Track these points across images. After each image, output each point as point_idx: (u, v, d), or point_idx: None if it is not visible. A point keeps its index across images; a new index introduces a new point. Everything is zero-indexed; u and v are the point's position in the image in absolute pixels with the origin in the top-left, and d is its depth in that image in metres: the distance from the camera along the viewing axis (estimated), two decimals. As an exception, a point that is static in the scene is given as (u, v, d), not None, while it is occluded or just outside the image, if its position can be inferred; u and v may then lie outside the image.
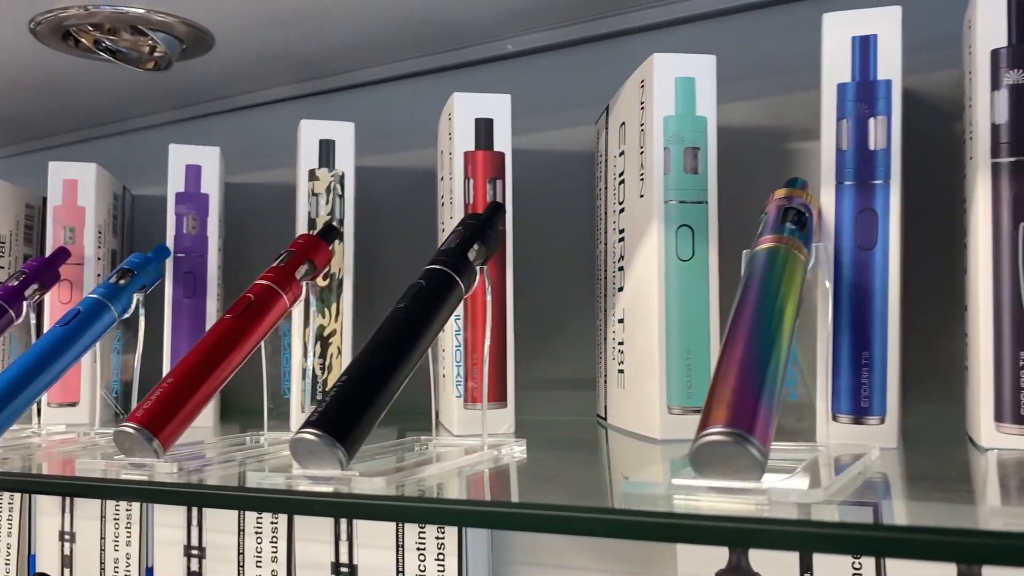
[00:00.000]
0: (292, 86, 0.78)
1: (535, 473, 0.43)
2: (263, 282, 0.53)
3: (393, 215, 0.74)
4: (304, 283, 0.55)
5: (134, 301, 0.62)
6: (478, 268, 0.48)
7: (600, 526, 0.31)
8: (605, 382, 0.61)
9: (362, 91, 0.76)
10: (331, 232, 0.59)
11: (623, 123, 0.56)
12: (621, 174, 0.56)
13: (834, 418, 0.44)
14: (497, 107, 0.56)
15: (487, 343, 0.48)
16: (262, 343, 0.54)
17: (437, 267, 0.46)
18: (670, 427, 0.49)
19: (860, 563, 0.48)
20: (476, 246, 0.48)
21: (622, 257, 0.56)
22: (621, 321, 0.56)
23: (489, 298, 0.48)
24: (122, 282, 0.62)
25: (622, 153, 0.56)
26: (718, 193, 0.51)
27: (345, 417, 0.39)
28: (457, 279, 0.46)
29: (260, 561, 0.74)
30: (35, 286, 0.66)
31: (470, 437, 0.51)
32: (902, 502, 0.33)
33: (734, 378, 0.34)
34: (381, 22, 0.66)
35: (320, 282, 0.61)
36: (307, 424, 0.38)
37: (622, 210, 0.56)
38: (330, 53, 0.72)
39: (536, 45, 0.69)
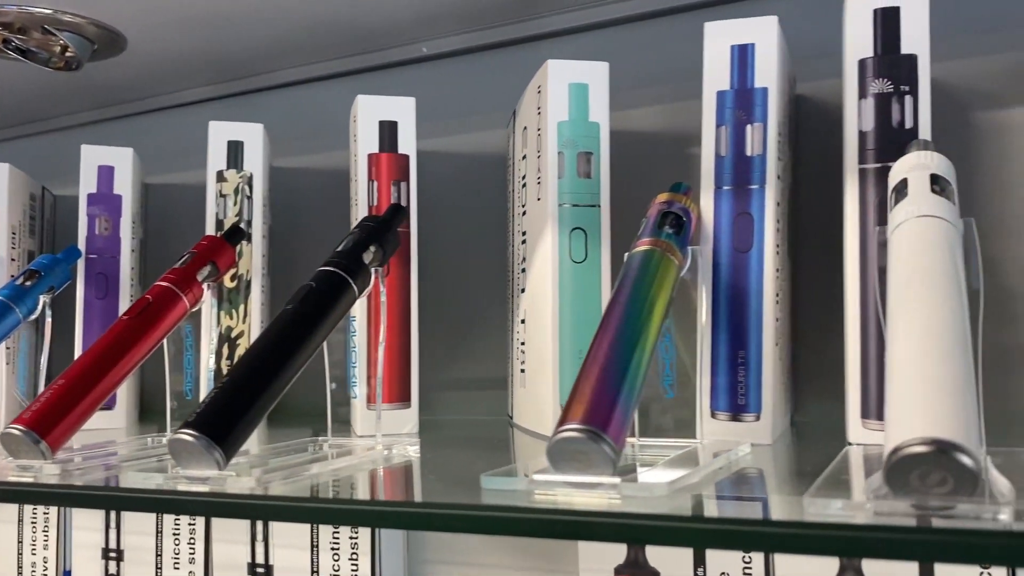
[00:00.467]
0: (207, 88, 0.77)
1: (418, 472, 0.44)
2: (163, 284, 0.53)
3: (310, 216, 0.75)
4: (206, 284, 0.55)
5: (40, 303, 0.61)
6: (373, 270, 0.49)
7: (457, 522, 0.32)
8: (512, 382, 0.62)
9: (279, 92, 0.76)
10: (237, 234, 0.59)
11: (525, 127, 0.57)
12: (524, 177, 0.57)
13: (713, 415, 0.45)
14: (401, 110, 0.57)
15: (381, 345, 0.49)
16: (165, 344, 0.54)
17: (329, 269, 0.47)
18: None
19: (750, 557, 0.50)
20: (372, 248, 0.49)
21: (524, 259, 0.57)
22: (523, 322, 0.57)
23: (384, 300, 0.49)
24: (28, 283, 0.62)
25: (524, 157, 0.57)
26: (612, 196, 0.52)
27: (224, 418, 0.39)
28: (350, 281, 0.47)
29: (178, 563, 0.74)
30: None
31: (368, 437, 0.51)
32: (741, 495, 0.34)
33: (594, 377, 0.35)
34: (297, 24, 0.66)
35: (228, 283, 0.62)
36: (185, 425, 0.38)
37: (524, 213, 0.57)
38: (246, 55, 0.72)
39: (450, 48, 0.70)
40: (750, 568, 0.50)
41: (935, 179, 0.37)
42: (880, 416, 0.42)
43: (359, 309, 0.54)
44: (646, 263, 0.41)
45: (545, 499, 0.33)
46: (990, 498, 0.27)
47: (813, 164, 0.56)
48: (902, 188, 0.37)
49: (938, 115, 0.54)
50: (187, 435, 0.38)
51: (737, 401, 0.45)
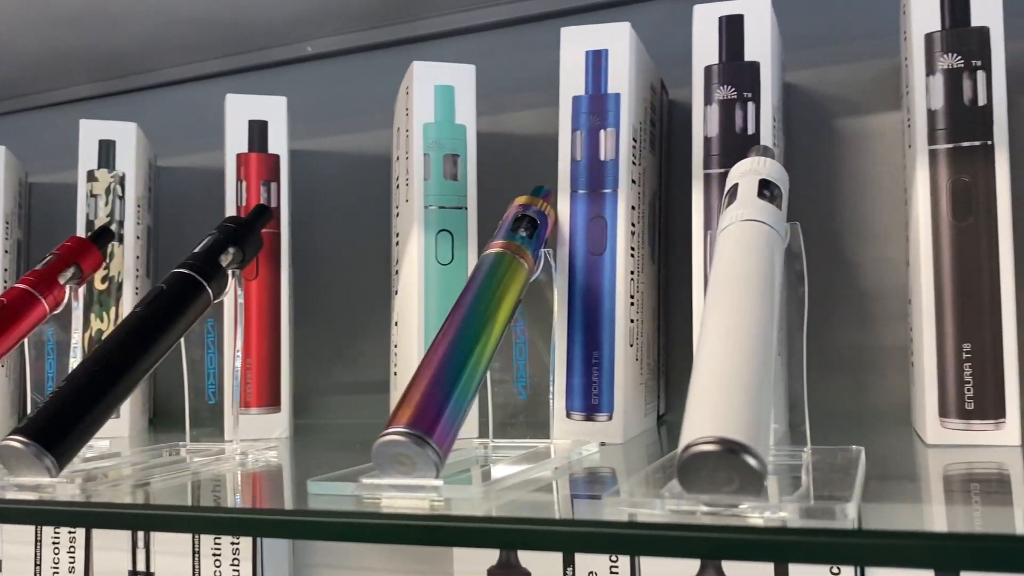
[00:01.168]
0: (84, 86, 0.76)
1: (260, 477, 0.43)
2: (20, 286, 0.52)
3: (194, 216, 0.73)
4: (68, 287, 0.54)
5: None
6: (230, 272, 0.48)
7: (276, 528, 0.31)
8: (390, 386, 0.62)
9: (160, 91, 0.75)
10: (104, 235, 0.58)
11: (398, 128, 0.57)
12: (398, 179, 0.57)
13: (568, 415, 0.46)
14: (272, 109, 0.56)
15: (238, 349, 0.48)
16: (26, 348, 0.52)
17: (182, 271, 0.46)
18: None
19: (617, 557, 0.51)
20: (231, 250, 0.48)
21: (397, 261, 0.56)
22: (396, 324, 0.56)
23: (241, 302, 0.48)
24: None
25: (398, 158, 0.57)
26: (480, 199, 0.52)
27: (57, 424, 0.38)
28: (204, 283, 0.46)
29: (58, 571, 0.72)
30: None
31: (228, 442, 0.51)
32: (556, 494, 0.35)
33: (424, 382, 0.35)
34: (177, 22, 0.65)
35: (99, 285, 0.60)
36: (15, 431, 0.37)
37: (398, 214, 0.57)
38: (121, 53, 0.70)
39: (334, 48, 0.69)
40: (617, 568, 0.51)
41: (765, 184, 0.38)
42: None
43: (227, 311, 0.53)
44: (495, 266, 0.42)
45: (371, 503, 0.33)
46: (776, 496, 0.28)
47: (686, 169, 0.57)
48: (733, 192, 0.38)
49: (801, 121, 0.56)
50: (16, 441, 0.37)
51: (591, 401, 0.45)
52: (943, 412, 0.40)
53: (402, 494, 0.33)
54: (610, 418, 0.45)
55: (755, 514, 0.26)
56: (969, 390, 0.40)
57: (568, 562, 0.52)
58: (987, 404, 0.39)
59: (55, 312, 0.53)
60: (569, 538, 0.25)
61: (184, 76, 0.73)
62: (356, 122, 0.69)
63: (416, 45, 0.67)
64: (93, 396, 0.40)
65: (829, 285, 0.55)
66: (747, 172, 0.39)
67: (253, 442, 0.50)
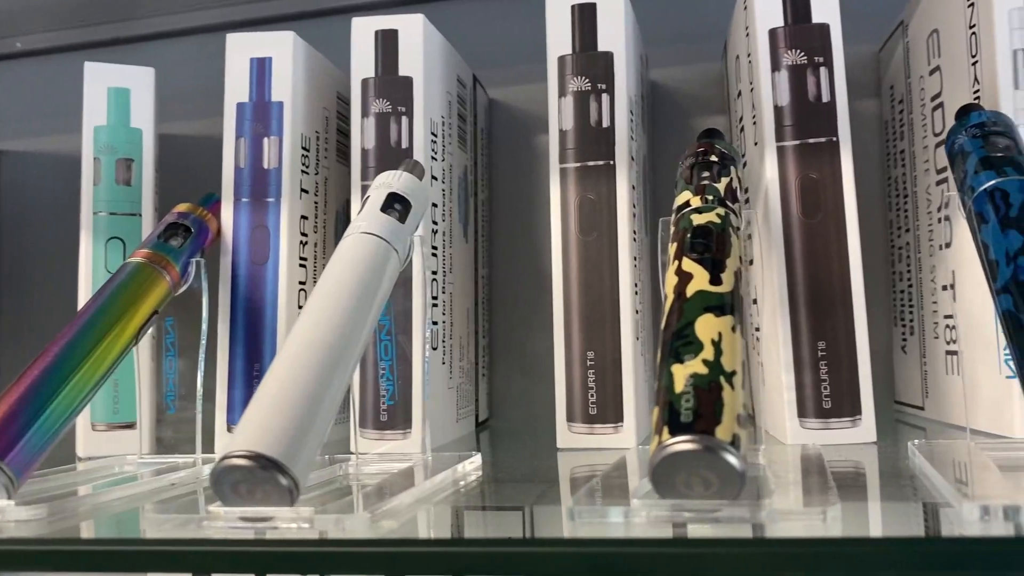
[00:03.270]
0: None
1: None
2: None
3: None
4: None
5: None
6: None
7: None
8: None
9: None
10: None
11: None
12: (86, 183, 0.54)
13: (228, 429, 0.45)
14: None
15: None
16: None
17: None
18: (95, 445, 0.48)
19: None
20: None
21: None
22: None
23: None
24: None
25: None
26: (162, 205, 0.50)
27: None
28: None
29: None
30: None
31: None
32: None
33: (11, 399, 0.34)
34: None
35: None
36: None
37: (84, 220, 0.54)
38: None
39: (45, 46, 0.66)
40: None
41: (394, 198, 0.38)
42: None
43: None
44: (129, 276, 0.40)
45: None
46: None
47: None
48: (365, 202, 0.38)
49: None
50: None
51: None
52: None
53: None
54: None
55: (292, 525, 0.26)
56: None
57: None
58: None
59: None
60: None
61: None
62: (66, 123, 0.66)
63: (131, 46, 0.65)
64: None
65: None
66: (380, 185, 0.39)
67: None
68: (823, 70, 0.40)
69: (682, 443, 0.25)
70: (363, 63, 0.45)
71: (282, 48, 0.46)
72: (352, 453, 0.40)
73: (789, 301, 0.40)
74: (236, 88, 0.46)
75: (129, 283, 0.40)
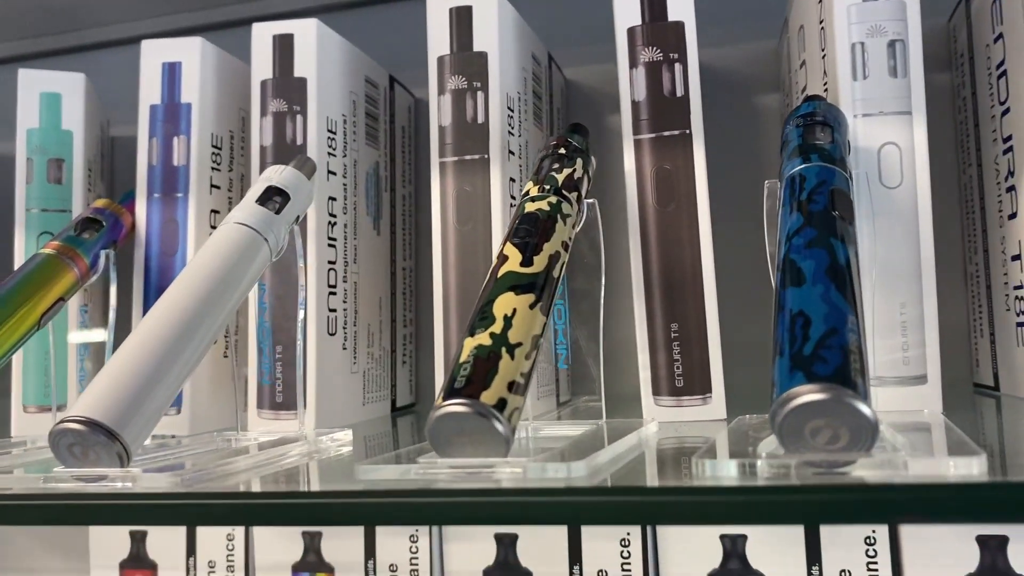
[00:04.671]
0: None
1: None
2: None
3: None
4: None
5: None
6: None
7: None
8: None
9: None
10: None
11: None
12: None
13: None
14: None
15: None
16: None
17: None
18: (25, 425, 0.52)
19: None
20: None
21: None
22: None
23: None
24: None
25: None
26: (89, 203, 0.54)
27: None
28: None
29: None
30: None
31: None
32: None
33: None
34: None
35: None
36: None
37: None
38: None
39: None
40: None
41: (272, 191, 0.41)
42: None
43: None
44: (33, 266, 0.44)
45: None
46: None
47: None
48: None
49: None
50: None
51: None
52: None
53: None
54: (179, 412, 0.48)
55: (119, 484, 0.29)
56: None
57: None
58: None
59: None
60: None
61: None
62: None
63: (75, 55, 0.68)
64: None
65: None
66: (263, 178, 0.42)
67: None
68: (678, 66, 0.43)
69: (449, 406, 0.27)
70: (262, 66, 0.48)
71: (191, 52, 0.49)
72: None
73: (644, 285, 0.42)
74: (149, 91, 0.49)
75: (35, 272, 0.43)
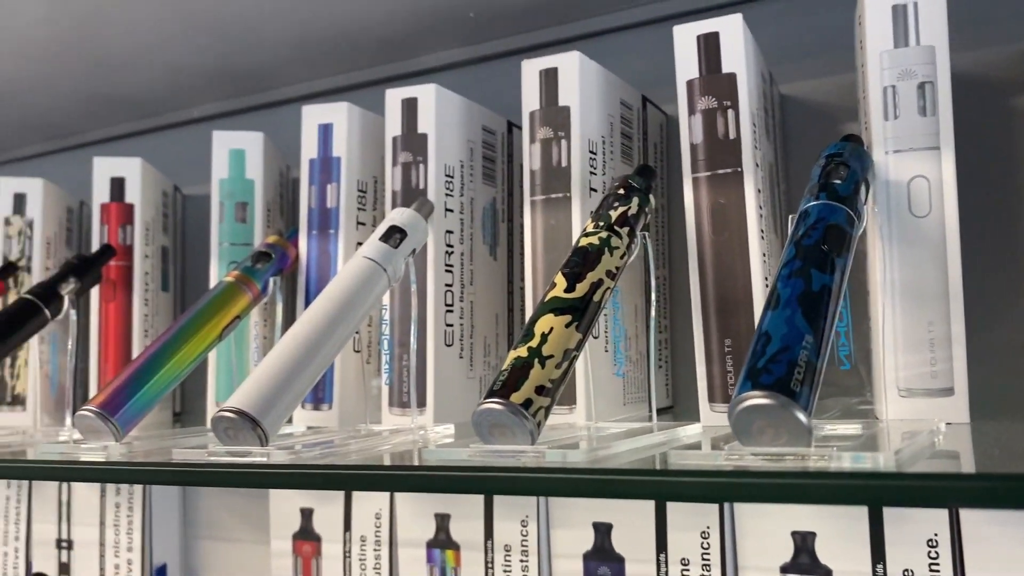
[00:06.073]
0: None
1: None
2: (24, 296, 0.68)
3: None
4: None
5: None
6: (66, 297, 0.63)
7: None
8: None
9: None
10: (8, 269, 0.74)
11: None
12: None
13: (302, 406, 0.59)
14: (130, 170, 0.72)
15: (70, 364, 0.63)
16: None
17: (25, 296, 0.62)
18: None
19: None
20: (72, 280, 0.64)
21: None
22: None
23: (73, 320, 0.63)
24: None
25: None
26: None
27: None
28: (42, 306, 0.62)
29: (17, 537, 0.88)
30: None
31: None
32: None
33: (125, 374, 0.50)
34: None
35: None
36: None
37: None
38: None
39: (213, 113, 0.85)
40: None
41: (392, 230, 0.51)
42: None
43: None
44: (217, 290, 0.56)
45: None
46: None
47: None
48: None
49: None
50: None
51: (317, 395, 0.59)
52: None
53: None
54: (329, 408, 0.59)
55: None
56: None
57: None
58: None
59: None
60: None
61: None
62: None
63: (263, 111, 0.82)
64: None
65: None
66: (388, 218, 0.52)
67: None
68: (731, 112, 0.48)
69: (486, 403, 0.35)
70: (392, 124, 0.57)
71: (340, 115, 0.60)
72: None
73: (701, 305, 0.48)
74: (308, 147, 0.61)
75: (218, 296, 0.56)
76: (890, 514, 0.50)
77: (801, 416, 0.30)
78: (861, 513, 0.51)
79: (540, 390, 0.36)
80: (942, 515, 0.49)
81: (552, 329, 0.38)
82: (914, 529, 0.50)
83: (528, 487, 0.33)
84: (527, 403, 0.35)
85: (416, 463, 0.37)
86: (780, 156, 0.59)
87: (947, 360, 0.42)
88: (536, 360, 0.37)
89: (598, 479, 0.31)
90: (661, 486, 0.31)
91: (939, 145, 0.43)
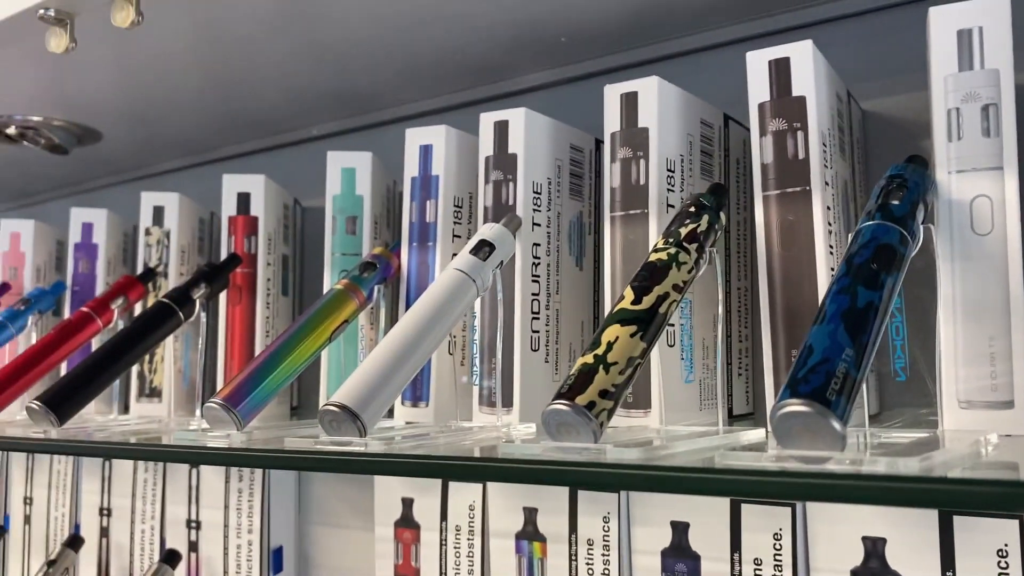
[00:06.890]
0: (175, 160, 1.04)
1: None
2: (83, 309, 0.77)
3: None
4: (116, 310, 0.79)
5: (29, 322, 0.87)
6: (198, 301, 0.71)
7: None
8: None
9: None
10: (149, 274, 0.83)
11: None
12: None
13: (401, 402, 0.64)
14: (255, 186, 0.79)
15: (200, 361, 0.71)
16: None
17: (162, 300, 0.70)
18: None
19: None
20: (203, 286, 0.71)
21: (337, 292, 0.77)
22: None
23: (204, 321, 0.71)
24: (22, 307, 0.87)
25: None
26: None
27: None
28: (176, 309, 0.69)
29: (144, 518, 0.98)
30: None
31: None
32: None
33: (248, 369, 0.56)
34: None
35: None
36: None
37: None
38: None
39: (332, 131, 0.92)
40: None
41: (482, 243, 0.56)
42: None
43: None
44: (329, 296, 0.62)
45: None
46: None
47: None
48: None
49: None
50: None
51: (415, 392, 0.64)
52: None
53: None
54: (427, 405, 0.64)
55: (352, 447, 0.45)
56: None
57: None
58: None
59: (107, 327, 0.78)
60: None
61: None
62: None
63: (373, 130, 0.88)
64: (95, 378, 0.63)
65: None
66: (479, 233, 0.57)
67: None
68: (800, 134, 0.50)
69: (554, 404, 0.39)
70: (486, 144, 0.62)
71: (438, 137, 0.65)
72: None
73: (770, 317, 0.50)
74: (410, 166, 0.66)
75: (329, 302, 0.62)
76: (960, 522, 0.52)
77: (835, 423, 0.32)
78: (931, 521, 0.52)
79: (604, 394, 0.40)
80: (1012, 525, 0.50)
81: (618, 338, 0.42)
82: (984, 539, 0.51)
83: (590, 480, 0.37)
84: (591, 405, 0.39)
85: (495, 456, 0.41)
86: (859, 172, 0.61)
87: (1007, 374, 0.44)
88: (601, 366, 0.40)
89: (650, 475, 0.34)
90: (708, 483, 0.35)
91: (1002, 165, 0.44)
